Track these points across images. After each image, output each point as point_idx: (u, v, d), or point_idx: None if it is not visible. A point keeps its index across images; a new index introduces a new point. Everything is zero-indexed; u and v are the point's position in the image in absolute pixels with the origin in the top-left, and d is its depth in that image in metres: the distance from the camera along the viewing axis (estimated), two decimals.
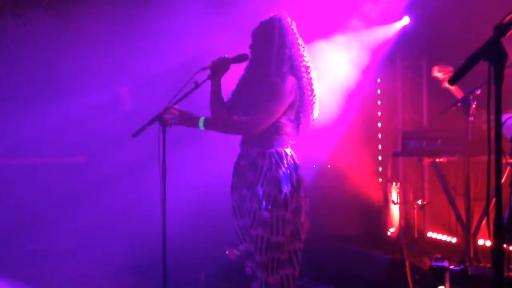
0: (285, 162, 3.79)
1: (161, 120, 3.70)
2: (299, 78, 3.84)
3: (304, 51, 3.94)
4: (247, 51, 3.96)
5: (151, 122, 3.72)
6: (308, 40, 5.94)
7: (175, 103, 3.76)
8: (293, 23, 3.96)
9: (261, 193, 3.71)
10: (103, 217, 7.00)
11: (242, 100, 3.96)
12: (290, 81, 3.77)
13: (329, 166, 7.63)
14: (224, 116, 3.99)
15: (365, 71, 6.88)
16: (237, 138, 4.00)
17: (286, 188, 3.72)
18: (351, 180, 7.39)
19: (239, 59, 3.94)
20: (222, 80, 4.03)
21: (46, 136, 7.25)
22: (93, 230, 6.99)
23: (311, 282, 5.66)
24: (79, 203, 7.17)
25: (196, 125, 3.71)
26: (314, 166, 7.50)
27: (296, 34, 3.94)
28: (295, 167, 3.82)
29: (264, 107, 3.73)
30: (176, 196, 4.74)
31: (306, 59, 3.94)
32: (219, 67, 3.92)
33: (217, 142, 5.95)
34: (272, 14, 3.95)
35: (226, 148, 4.33)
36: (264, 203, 3.69)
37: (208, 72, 3.92)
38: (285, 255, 3.75)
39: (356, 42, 6.78)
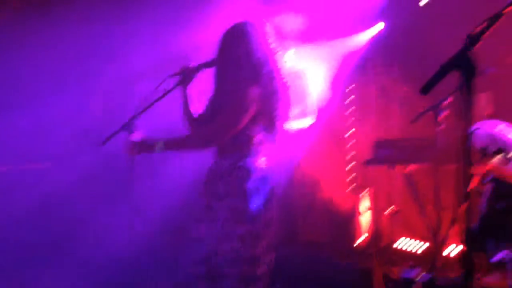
0: (254, 174, 3.70)
1: (129, 128, 3.67)
2: (266, 86, 3.73)
3: (278, 56, 3.84)
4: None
5: (119, 130, 3.69)
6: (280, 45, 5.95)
7: (143, 111, 3.72)
8: (268, 27, 3.87)
9: (230, 206, 3.63)
10: (72, 223, 6.90)
11: (206, 110, 3.92)
12: (251, 91, 3.65)
13: (299, 172, 7.62)
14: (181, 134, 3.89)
15: (337, 78, 6.89)
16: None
17: (255, 201, 3.65)
18: (321, 187, 7.40)
19: (208, 64, 3.88)
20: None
21: (11, 142, 7.14)
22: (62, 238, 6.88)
23: None
24: (47, 209, 7.06)
25: (154, 150, 3.70)
26: (284, 172, 7.48)
27: (268, 40, 3.84)
28: (266, 179, 3.73)
29: (221, 119, 3.68)
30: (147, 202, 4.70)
31: (279, 65, 3.84)
32: (188, 73, 3.88)
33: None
34: (240, 21, 3.87)
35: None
36: (233, 216, 3.62)
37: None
38: (262, 269, 3.68)
39: (328, 48, 6.79)
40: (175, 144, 3.77)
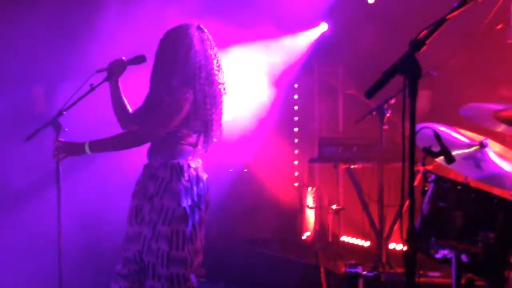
0: (186, 174, 3.69)
1: (55, 124, 3.65)
2: (203, 89, 3.73)
3: (216, 61, 3.86)
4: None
5: (44, 126, 3.68)
6: (223, 45, 5.97)
7: (69, 107, 3.70)
8: (206, 32, 3.88)
9: (160, 206, 3.63)
10: None
11: (140, 108, 3.92)
12: (182, 94, 3.66)
13: (245, 170, 7.65)
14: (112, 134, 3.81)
15: (282, 77, 6.94)
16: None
17: (185, 202, 3.64)
18: (267, 184, 7.44)
19: (136, 60, 3.89)
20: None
21: None
22: None
23: (226, 286, 5.65)
24: None
25: (83, 151, 3.66)
26: (231, 170, 7.50)
27: (208, 45, 3.84)
28: (197, 180, 3.73)
29: (151, 119, 3.71)
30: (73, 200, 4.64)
31: (216, 69, 3.85)
32: (116, 69, 3.84)
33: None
34: (181, 23, 3.86)
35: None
36: (163, 216, 3.62)
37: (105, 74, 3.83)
38: (191, 270, 3.69)
39: (273, 47, 6.84)
40: (104, 144, 3.74)
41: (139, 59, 3.89)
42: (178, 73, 3.74)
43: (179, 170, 3.68)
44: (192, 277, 3.71)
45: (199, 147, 3.82)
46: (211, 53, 3.85)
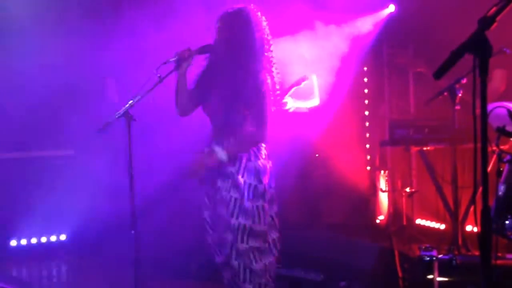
0: (262, 153, 3.85)
1: (126, 115, 3.72)
2: (271, 74, 3.85)
3: (271, 45, 3.93)
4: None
5: (116, 118, 3.75)
6: (293, 31, 5.98)
7: (139, 99, 3.76)
8: (263, 17, 3.92)
9: (242, 183, 3.74)
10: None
11: (214, 94, 3.91)
12: (265, 78, 3.77)
13: (317, 155, 7.64)
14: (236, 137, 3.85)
15: (351, 60, 6.87)
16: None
17: (265, 179, 3.79)
18: (339, 168, 7.41)
19: (203, 50, 3.89)
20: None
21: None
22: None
23: (302, 271, 5.67)
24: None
25: (218, 160, 3.73)
26: (317, 155, 7.52)
27: (265, 29, 3.90)
28: (269, 159, 3.89)
29: (261, 113, 3.76)
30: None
31: (272, 54, 3.93)
32: (184, 59, 3.85)
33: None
34: (241, 5, 3.90)
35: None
36: (245, 193, 3.74)
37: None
38: (266, 244, 3.82)
39: (342, 31, 6.77)
40: (236, 149, 3.78)
41: (206, 48, 3.90)
42: (255, 57, 3.81)
43: (256, 149, 3.83)
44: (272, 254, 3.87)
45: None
46: (269, 38, 3.93)
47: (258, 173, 3.78)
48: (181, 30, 6.45)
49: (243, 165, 3.77)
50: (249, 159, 3.78)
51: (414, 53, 7.59)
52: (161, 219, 6.67)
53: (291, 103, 5.84)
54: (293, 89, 5.71)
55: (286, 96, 5.74)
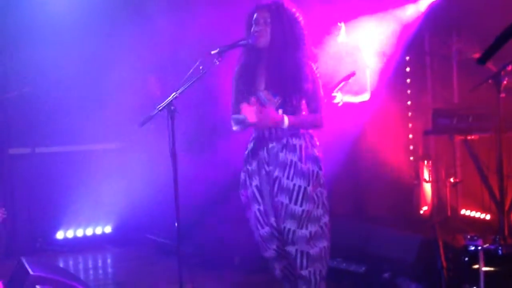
0: (315, 141, 4.00)
1: (169, 108, 3.76)
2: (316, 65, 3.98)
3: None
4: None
5: (158, 111, 3.79)
6: (339, 19, 5.99)
7: (182, 91, 3.80)
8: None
9: (305, 170, 3.84)
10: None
11: (271, 79, 3.93)
12: (316, 69, 3.96)
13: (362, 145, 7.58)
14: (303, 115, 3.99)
15: (394, 49, 6.82)
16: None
17: (323, 166, 3.96)
18: (383, 158, 7.36)
19: (237, 44, 3.92)
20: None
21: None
22: None
23: (344, 262, 5.66)
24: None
25: (280, 125, 3.81)
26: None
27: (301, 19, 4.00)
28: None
29: (318, 101, 3.96)
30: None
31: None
32: (224, 51, 3.88)
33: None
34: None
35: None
36: (309, 180, 3.84)
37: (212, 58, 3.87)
38: (320, 229, 3.95)
39: (384, 20, 6.72)
40: (295, 123, 3.89)
41: (239, 43, 3.92)
42: (306, 49, 3.94)
43: (310, 138, 3.99)
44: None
45: None
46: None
47: (317, 160, 3.93)
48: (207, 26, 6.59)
49: (303, 153, 3.87)
50: (307, 147, 3.89)
51: (457, 41, 7.48)
52: (203, 211, 6.75)
53: (340, 97, 5.84)
54: (341, 84, 5.73)
55: (335, 90, 5.76)
